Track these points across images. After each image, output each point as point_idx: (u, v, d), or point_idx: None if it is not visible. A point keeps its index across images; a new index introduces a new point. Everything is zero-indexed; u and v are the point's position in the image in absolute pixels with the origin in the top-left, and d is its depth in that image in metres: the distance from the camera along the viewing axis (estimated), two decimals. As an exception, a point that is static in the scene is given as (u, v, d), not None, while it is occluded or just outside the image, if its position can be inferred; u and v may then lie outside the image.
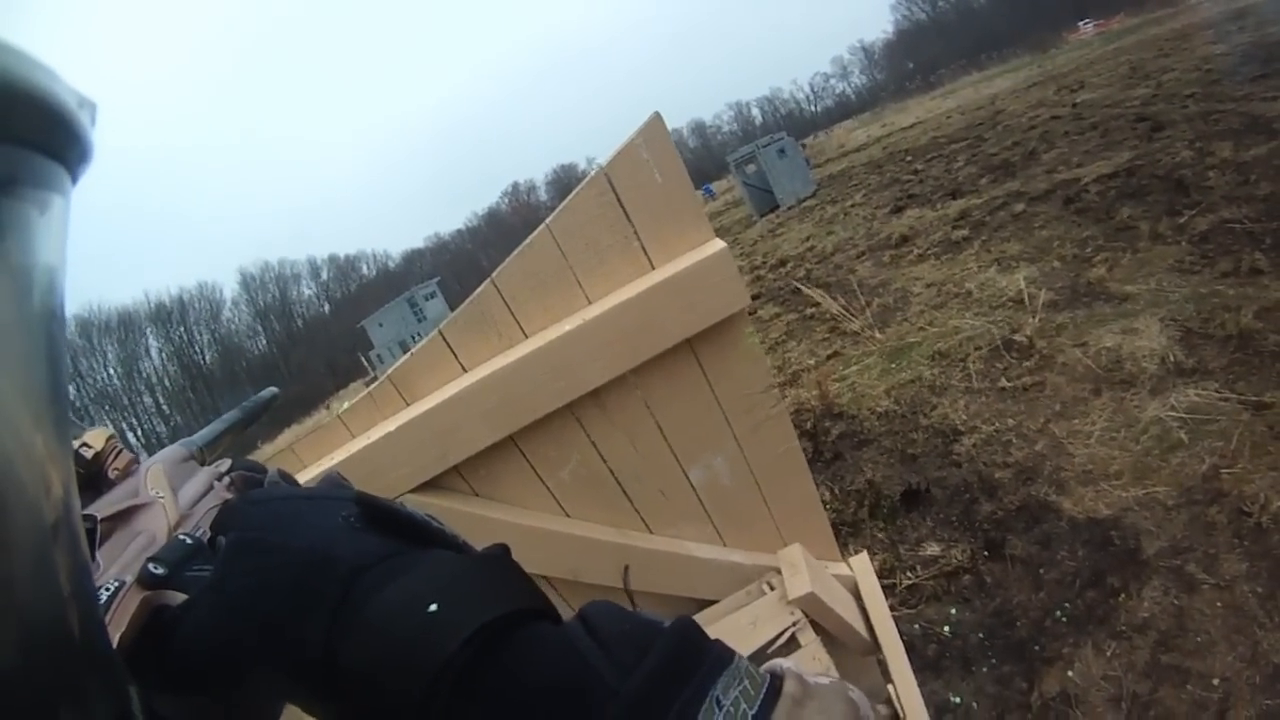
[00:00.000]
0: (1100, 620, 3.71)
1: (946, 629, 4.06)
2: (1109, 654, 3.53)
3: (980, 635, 3.94)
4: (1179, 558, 3.85)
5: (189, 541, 0.72)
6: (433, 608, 0.55)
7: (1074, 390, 5.74)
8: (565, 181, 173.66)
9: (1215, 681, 3.20)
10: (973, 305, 8.31)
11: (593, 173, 2.04)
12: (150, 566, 0.66)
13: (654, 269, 2.10)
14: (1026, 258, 9.02)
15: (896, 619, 4.08)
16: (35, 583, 0.34)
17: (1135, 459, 4.70)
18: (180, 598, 0.64)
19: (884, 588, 4.25)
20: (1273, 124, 10.11)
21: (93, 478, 0.94)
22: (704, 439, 2.30)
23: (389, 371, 2.12)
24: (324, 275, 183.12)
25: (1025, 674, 3.63)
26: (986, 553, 4.44)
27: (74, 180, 0.40)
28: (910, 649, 3.81)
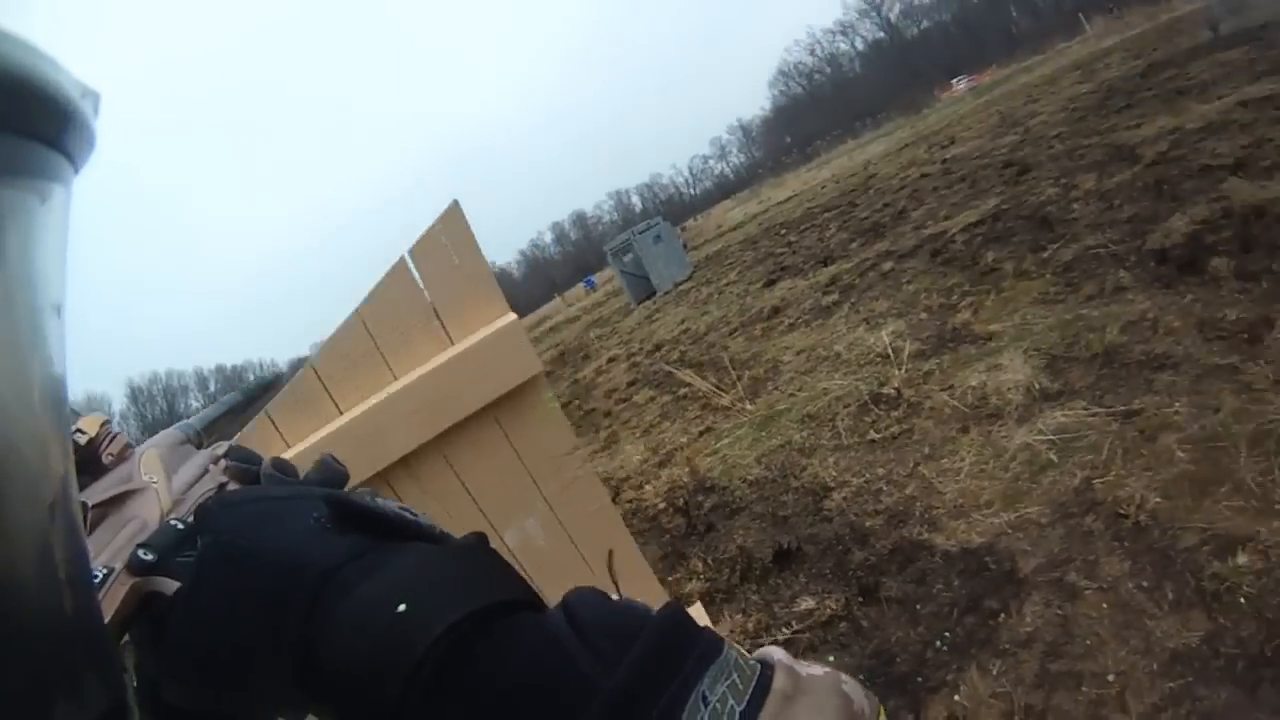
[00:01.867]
0: (983, 643, 3.88)
1: (826, 676, 4.16)
2: (995, 672, 3.68)
3: (861, 676, 3.90)
4: (1058, 570, 4.06)
5: (180, 527, 0.74)
6: (402, 607, 0.57)
7: (942, 432, 6.05)
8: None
9: (1110, 678, 3.35)
10: (841, 366, 8.65)
11: (397, 259, 2.30)
12: (140, 553, 0.69)
13: (453, 344, 2.40)
14: (894, 313, 9.45)
15: (773, 674, 4.29)
16: (31, 566, 0.35)
17: (1005, 486, 5.00)
18: (171, 584, 0.67)
19: (759, 645, 4.44)
20: (1135, 149, 10.87)
21: (87, 464, 0.98)
22: (514, 501, 2.50)
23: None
24: (211, 387, 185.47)
25: (910, 706, 3.77)
26: (861, 598, 4.62)
27: (76, 170, 0.42)
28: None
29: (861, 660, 4.22)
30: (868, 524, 5.36)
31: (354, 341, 2.38)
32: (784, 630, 4.70)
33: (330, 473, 0.84)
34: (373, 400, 2.32)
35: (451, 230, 2.34)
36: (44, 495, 0.37)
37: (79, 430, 1.00)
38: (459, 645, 0.56)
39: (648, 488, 8.01)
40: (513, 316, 2.37)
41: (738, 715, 0.53)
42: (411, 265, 2.34)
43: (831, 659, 4.31)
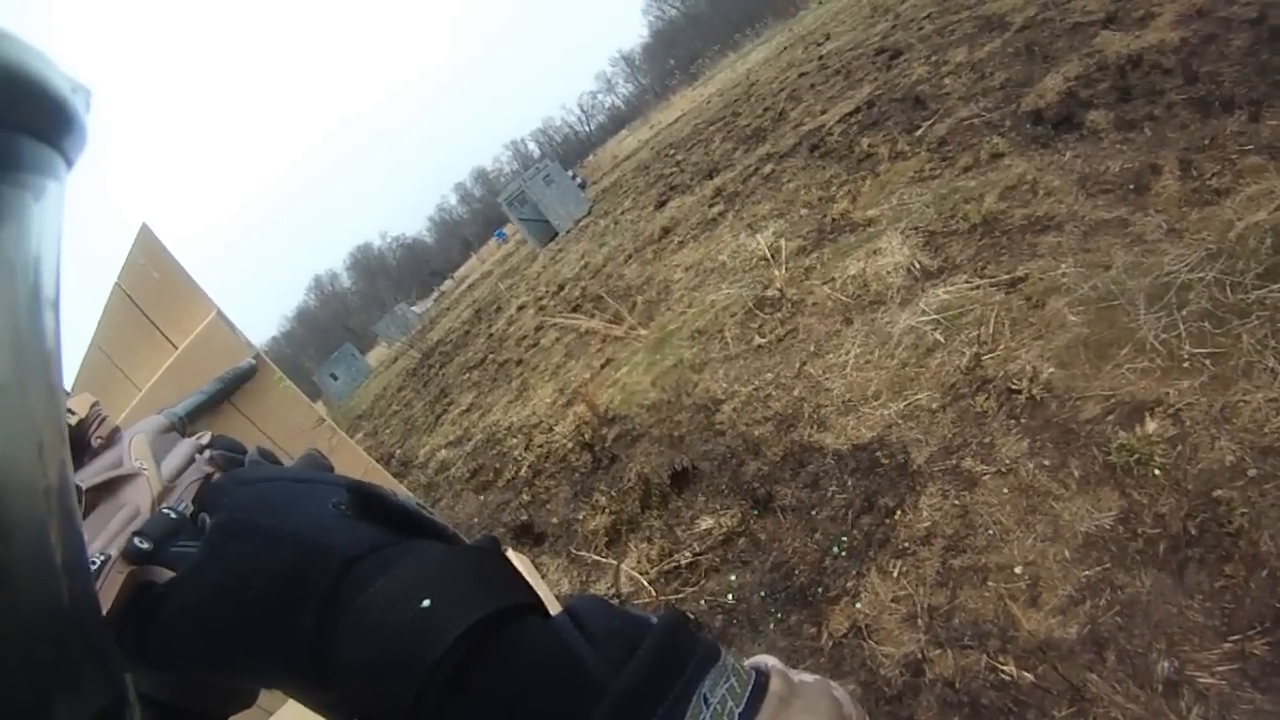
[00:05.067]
0: (880, 544, 3.73)
1: (730, 597, 4.06)
2: (895, 575, 3.52)
3: (762, 594, 3.94)
4: (952, 457, 3.90)
5: (173, 516, 0.72)
6: (426, 602, 0.57)
7: (826, 327, 5.90)
8: (364, 263, 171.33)
9: (1018, 570, 3.17)
10: (728, 276, 8.53)
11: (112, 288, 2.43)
12: (136, 541, 0.66)
13: (176, 348, 2.45)
14: (776, 214, 9.32)
15: (680, 600, 4.16)
16: (28, 552, 0.35)
17: (892, 374, 4.84)
18: (166, 574, 0.65)
19: (665, 572, 4.41)
20: (1004, 18, 10.75)
21: (75, 446, 0.95)
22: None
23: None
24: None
25: (812, 619, 3.63)
26: (757, 511, 4.48)
27: (69, 166, 0.40)
28: (699, 626, 3.81)
29: (762, 576, 4.06)
30: (758, 433, 5.21)
31: (98, 370, 2.47)
32: (686, 553, 4.55)
33: (316, 465, 0.83)
34: (123, 416, 2.24)
35: (146, 250, 2.40)
36: (40, 480, 0.37)
37: (69, 410, 0.98)
38: (480, 643, 0.56)
39: (557, 429, 7.97)
40: (214, 311, 2.45)
41: (736, 716, 0.54)
42: (123, 290, 2.42)
43: (733, 578, 4.18)
